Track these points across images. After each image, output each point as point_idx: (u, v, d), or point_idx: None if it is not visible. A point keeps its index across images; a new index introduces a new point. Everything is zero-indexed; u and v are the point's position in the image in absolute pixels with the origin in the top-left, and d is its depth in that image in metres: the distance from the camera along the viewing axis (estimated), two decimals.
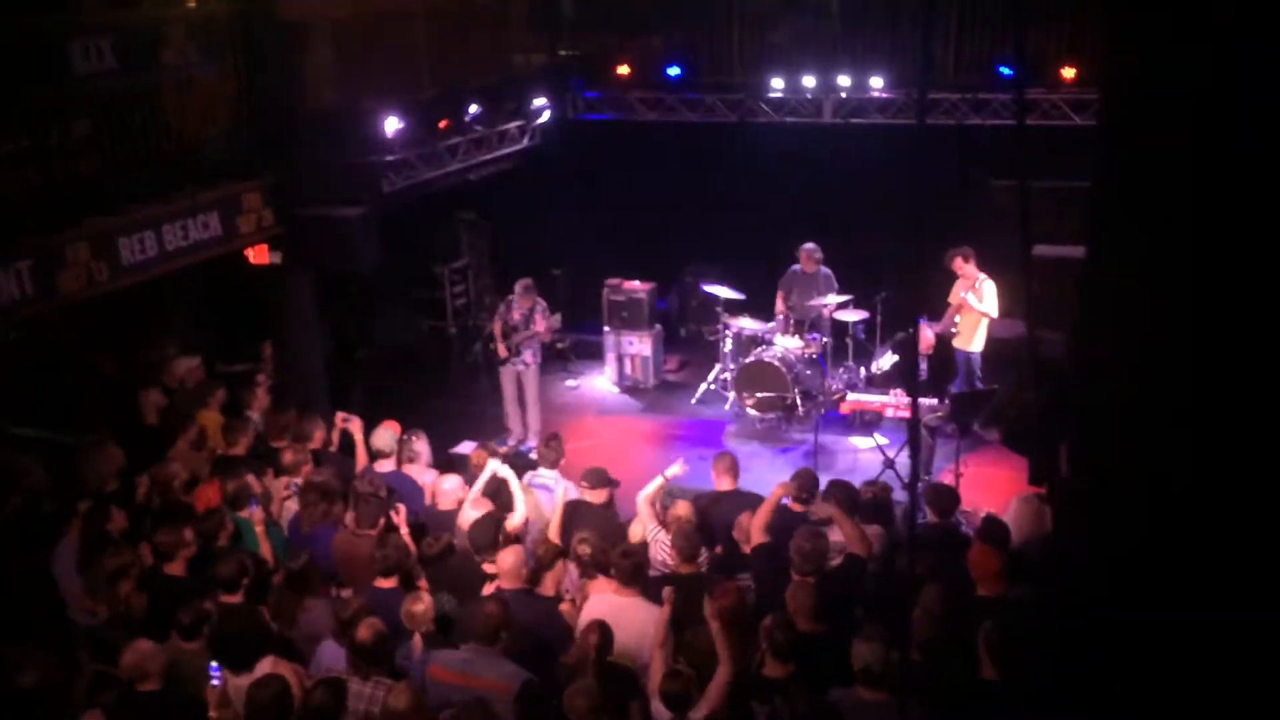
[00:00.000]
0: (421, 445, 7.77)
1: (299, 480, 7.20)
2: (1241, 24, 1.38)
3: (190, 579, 6.07)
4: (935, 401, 9.60)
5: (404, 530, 6.53)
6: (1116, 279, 1.59)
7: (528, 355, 10.58)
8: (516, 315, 10.54)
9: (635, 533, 6.96)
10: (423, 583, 6.12)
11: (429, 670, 5.25)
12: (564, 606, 6.16)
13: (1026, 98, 10.41)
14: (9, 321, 7.09)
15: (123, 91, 7.88)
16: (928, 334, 10.44)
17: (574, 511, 7.08)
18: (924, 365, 10.43)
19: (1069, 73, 11.31)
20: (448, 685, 5.14)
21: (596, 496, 7.14)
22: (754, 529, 6.48)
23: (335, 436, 8.15)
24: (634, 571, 5.85)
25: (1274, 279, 1.44)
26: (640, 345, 12.13)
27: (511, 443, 10.71)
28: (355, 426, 7.88)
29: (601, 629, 5.32)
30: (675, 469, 7.16)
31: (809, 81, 12.25)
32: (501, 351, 10.55)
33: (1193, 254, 1.48)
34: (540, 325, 10.48)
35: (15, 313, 6.96)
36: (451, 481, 7.21)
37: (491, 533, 6.42)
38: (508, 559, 5.96)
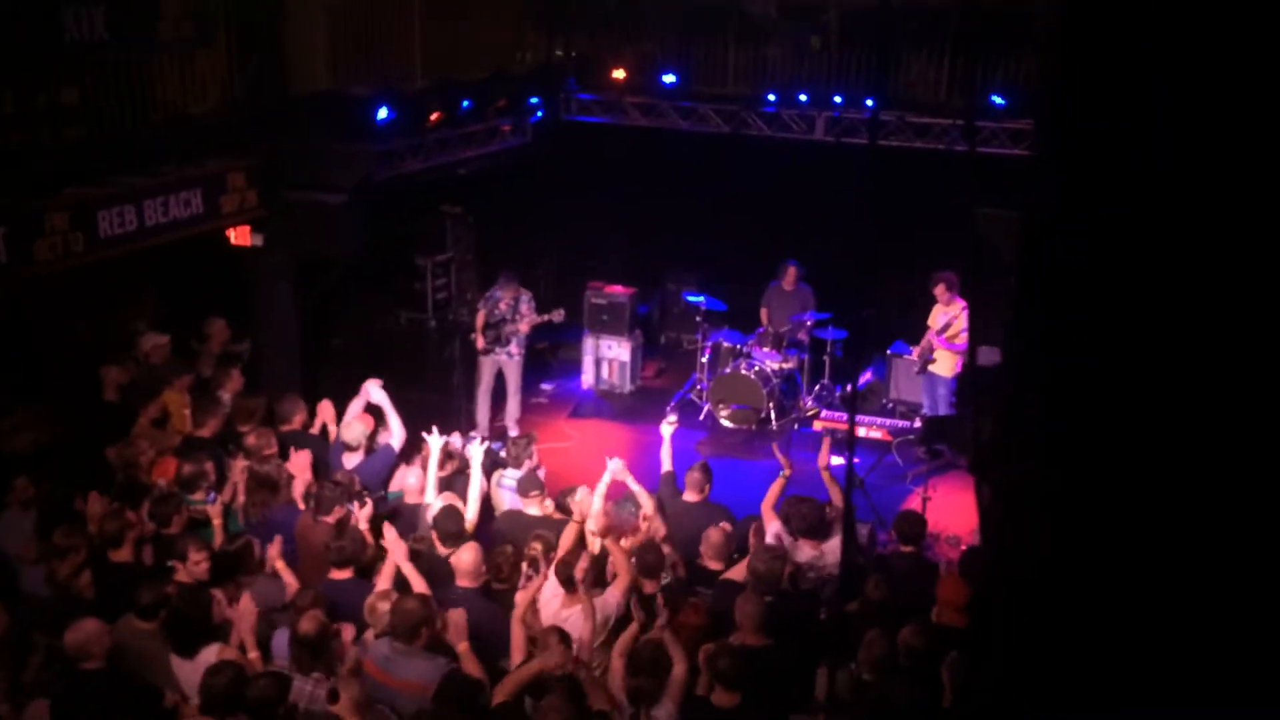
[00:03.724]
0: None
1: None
2: (1175, 55, 1.41)
3: (137, 564, 5.99)
4: (907, 424, 9.64)
5: (363, 524, 6.47)
6: (1047, 307, 1.62)
7: (513, 346, 10.61)
8: (504, 306, 10.56)
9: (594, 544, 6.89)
10: (387, 581, 6.01)
11: (364, 662, 5.23)
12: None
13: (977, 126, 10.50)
14: None
15: (113, 62, 7.81)
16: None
17: (506, 524, 7.02)
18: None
19: None
20: (372, 680, 5.14)
21: (533, 505, 7.03)
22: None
23: (319, 419, 8.10)
24: (569, 581, 5.83)
25: (1209, 301, 1.46)
26: (619, 350, 12.11)
27: (477, 435, 10.71)
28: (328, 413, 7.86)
29: (563, 636, 5.29)
30: (614, 465, 7.12)
31: (803, 98, 12.28)
32: (480, 343, 10.57)
33: (1126, 279, 1.50)
34: (527, 316, 10.48)
35: None
36: (415, 475, 7.17)
37: (457, 523, 6.40)
38: (465, 557, 5.93)
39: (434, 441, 7.13)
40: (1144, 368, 1.51)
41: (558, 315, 10.69)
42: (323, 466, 7.49)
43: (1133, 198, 1.46)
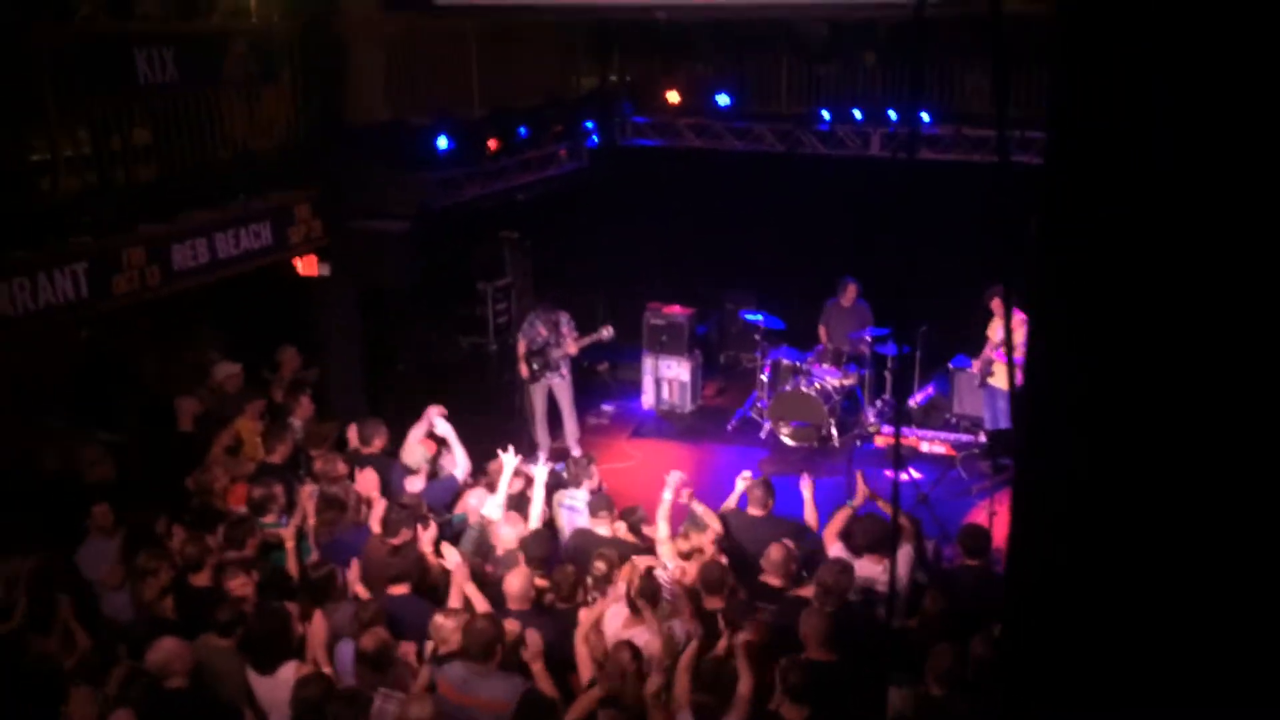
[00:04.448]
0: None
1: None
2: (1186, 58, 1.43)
3: (216, 587, 6.17)
4: (971, 438, 9.57)
5: (427, 546, 6.59)
6: (1049, 310, 1.65)
7: (563, 369, 10.70)
8: (543, 332, 10.63)
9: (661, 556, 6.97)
10: (456, 600, 6.12)
11: (438, 683, 5.30)
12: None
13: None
14: (65, 321, 7.27)
15: (183, 101, 8.10)
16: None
17: (578, 542, 7.11)
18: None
19: None
20: (449, 701, 5.19)
21: (602, 525, 7.10)
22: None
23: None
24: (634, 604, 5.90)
25: (1209, 301, 1.48)
26: (678, 370, 12.16)
27: (542, 456, 10.78)
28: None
29: (633, 648, 5.35)
30: (673, 479, 7.17)
31: (857, 114, 12.28)
32: (525, 372, 10.67)
33: (1125, 280, 1.53)
34: (568, 336, 10.59)
35: (70, 313, 7.14)
36: (476, 497, 7.28)
37: (545, 548, 6.49)
38: (514, 582, 6.00)
39: (508, 460, 7.25)
40: (1143, 369, 1.53)
41: (607, 331, 10.73)
42: (389, 489, 7.65)
43: (1133, 199, 1.48)
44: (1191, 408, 1.50)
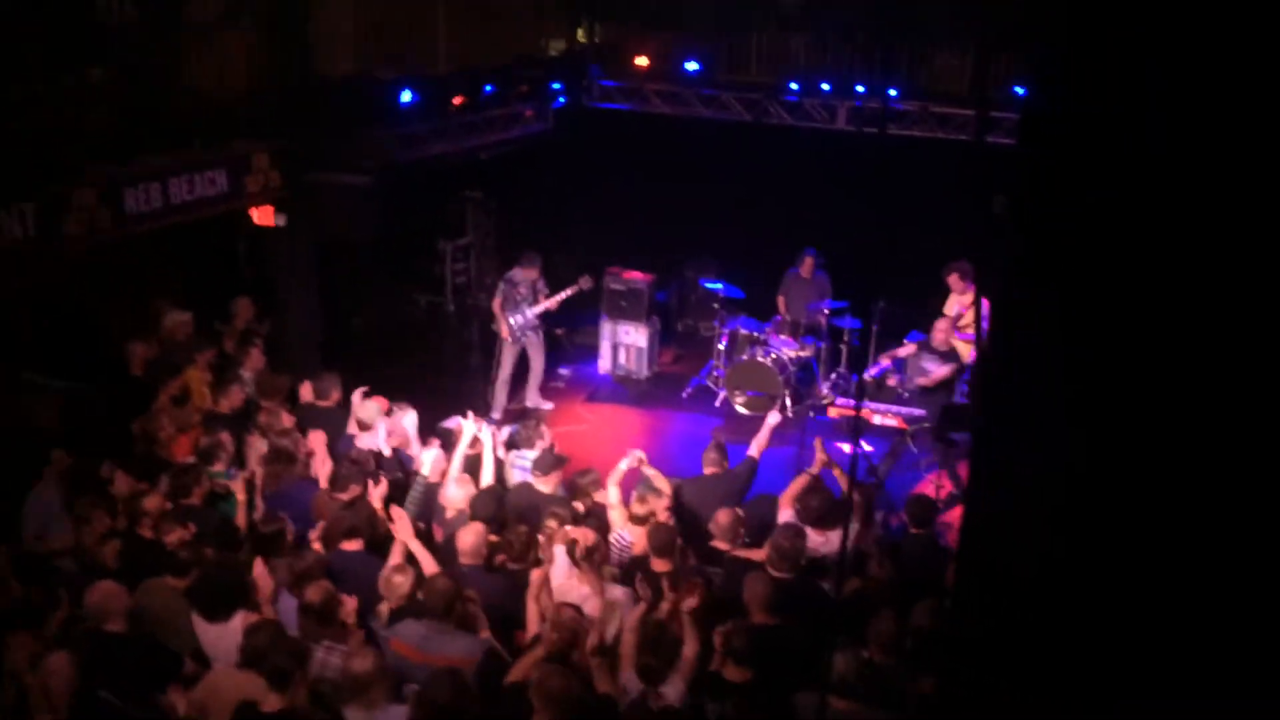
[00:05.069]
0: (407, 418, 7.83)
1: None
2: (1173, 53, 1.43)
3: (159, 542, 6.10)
4: (923, 412, 9.66)
5: (377, 502, 6.57)
6: (1028, 299, 1.65)
7: (539, 327, 10.79)
8: (523, 290, 10.61)
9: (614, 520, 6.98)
10: (397, 557, 6.10)
11: (391, 643, 5.29)
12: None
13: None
14: (12, 262, 7.13)
15: (141, 43, 7.93)
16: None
17: (520, 498, 7.10)
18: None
19: None
20: (406, 660, 5.17)
21: (546, 483, 7.10)
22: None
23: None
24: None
25: (1199, 286, 1.49)
26: (636, 335, 12.16)
27: (496, 416, 10.80)
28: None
29: (576, 608, 5.36)
30: (633, 456, 7.22)
31: (825, 87, 12.29)
32: (504, 332, 10.63)
33: (1112, 264, 1.53)
34: (542, 291, 10.62)
35: (17, 254, 6.99)
36: (433, 453, 7.25)
37: (493, 506, 6.49)
38: (467, 538, 6.00)
39: (468, 426, 7.24)
40: (1128, 352, 1.53)
41: (586, 282, 10.75)
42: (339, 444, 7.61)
43: (1124, 183, 1.48)
44: (1173, 392, 1.50)
